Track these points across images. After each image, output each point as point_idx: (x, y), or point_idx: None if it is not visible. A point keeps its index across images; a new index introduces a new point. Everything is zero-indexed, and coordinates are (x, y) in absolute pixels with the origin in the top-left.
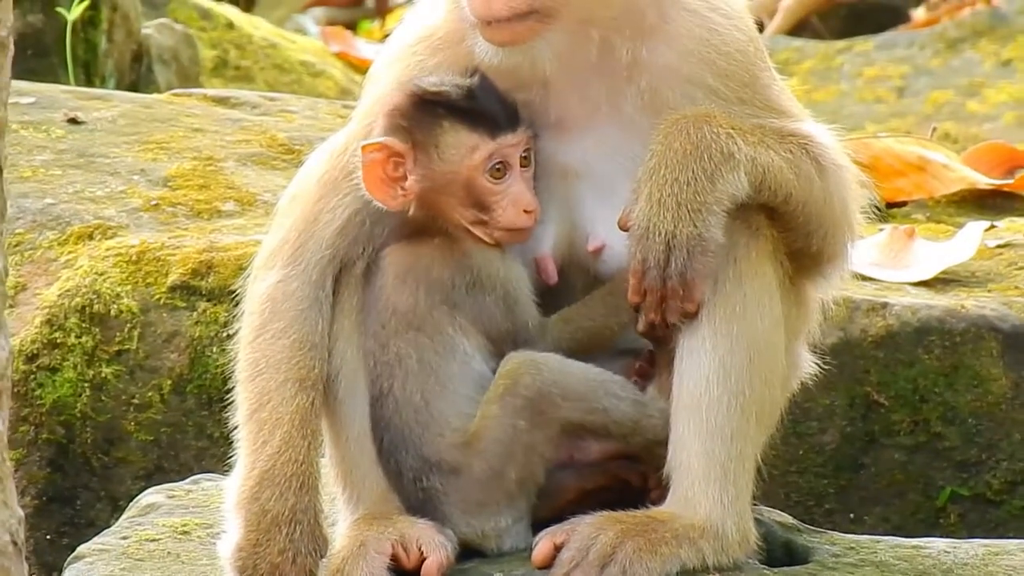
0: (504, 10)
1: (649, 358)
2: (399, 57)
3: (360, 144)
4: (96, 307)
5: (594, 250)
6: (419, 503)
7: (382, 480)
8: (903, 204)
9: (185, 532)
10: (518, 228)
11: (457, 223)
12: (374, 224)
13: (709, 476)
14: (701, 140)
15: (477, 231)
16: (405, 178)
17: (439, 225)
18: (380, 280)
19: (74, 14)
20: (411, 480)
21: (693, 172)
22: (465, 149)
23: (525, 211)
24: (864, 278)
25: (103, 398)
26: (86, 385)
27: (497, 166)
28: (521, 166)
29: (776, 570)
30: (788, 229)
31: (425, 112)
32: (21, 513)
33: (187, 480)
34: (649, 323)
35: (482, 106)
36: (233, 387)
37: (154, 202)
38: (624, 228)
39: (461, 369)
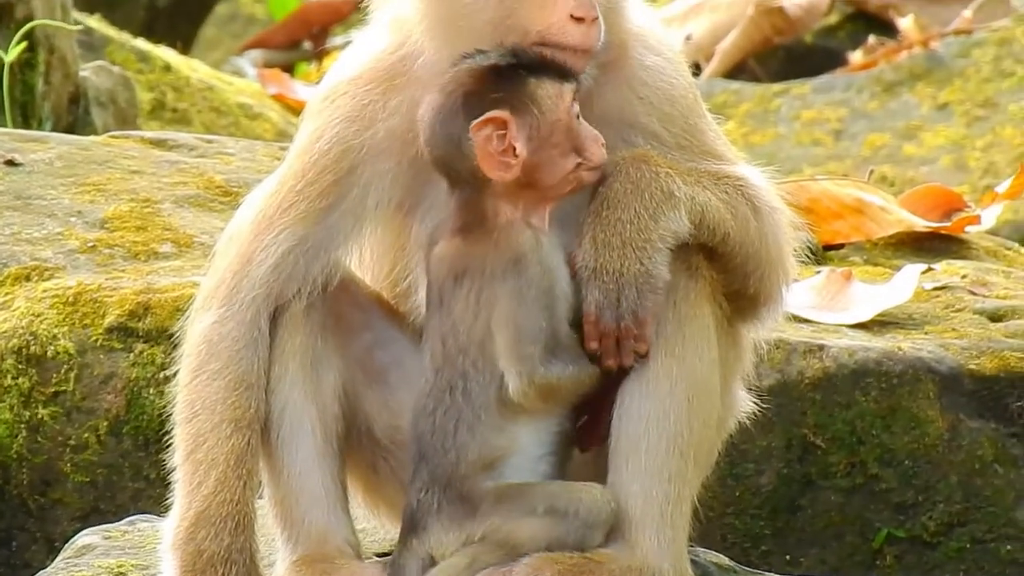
0: (595, 41)
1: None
2: (345, 91)
3: (471, 125)
4: (33, 348)
5: None
6: (409, 508)
7: (322, 519)
8: (840, 247)
9: (121, 573)
10: (601, 164)
11: (552, 181)
12: (310, 262)
13: (646, 518)
14: (640, 180)
15: (568, 179)
16: (511, 148)
17: (484, 215)
18: (436, 280)
19: (11, 56)
20: (416, 488)
21: (635, 211)
22: (556, 96)
23: (601, 144)
24: (801, 320)
25: (39, 439)
26: (22, 426)
27: (576, 109)
28: None
29: None
30: (726, 271)
31: (507, 79)
32: None
33: (123, 521)
34: (608, 369)
35: (544, 59)
36: (170, 428)
37: (91, 244)
38: (573, 270)
39: (497, 395)
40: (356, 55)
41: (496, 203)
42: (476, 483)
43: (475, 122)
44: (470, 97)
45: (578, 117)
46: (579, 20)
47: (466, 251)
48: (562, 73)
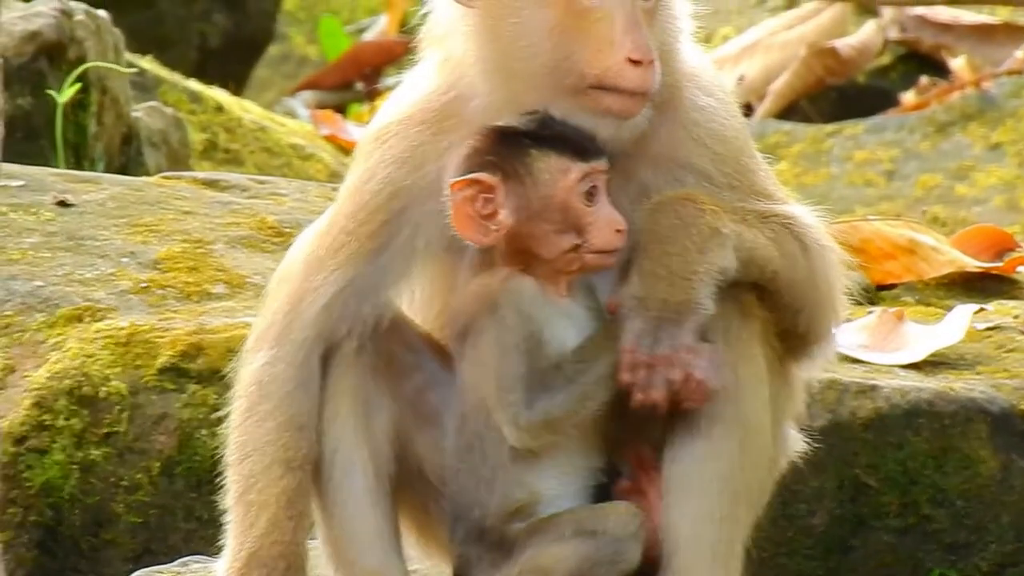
0: (652, 84)
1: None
2: (396, 132)
3: (449, 182)
4: (85, 389)
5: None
6: (455, 565)
7: (375, 561)
8: (893, 287)
9: None
10: (611, 249)
11: (547, 255)
12: (360, 302)
13: (700, 559)
14: (687, 216)
15: (567, 259)
16: (495, 214)
17: (487, 265)
18: (452, 337)
19: (64, 97)
20: (457, 544)
21: (683, 245)
22: (558, 172)
23: (617, 230)
24: (853, 360)
25: (92, 480)
26: (75, 467)
27: (589, 190)
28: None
29: None
30: (775, 309)
31: (509, 145)
32: None
33: (176, 562)
34: (639, 403)
35: (565, 133)
36: (222, 470)
37: (143, 284)
38: (612, 311)
39: (510, 452)
40: (407, 96)
41: (500, 261)
42: (508, 529)
43: (454, 180)
44: (472, 155)
45: (589, 196)
46: (636, 63)
47: (466, 308)
48: (581, 151)
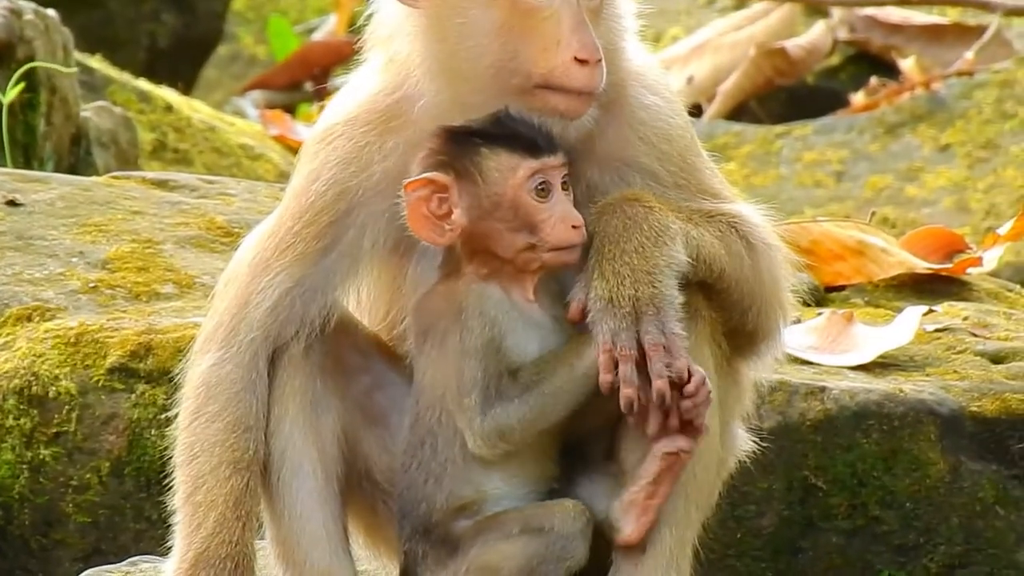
0: (598, 83)
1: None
2: (341, 133)
3: (403, 182)
4: (34, 389)
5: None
6: (401, 563)
7: (324, 560)
8: (842, 288)
9: None
10: (567, 246)
11: (505, 254)
12: (307, 303)
13: (656, 562)
14: (636, 215)
15: (525, 258)
16: (450, 213)
17: (455, 273)
18: (413, 335)
19: (9, 96)
20: (403, 542)
21: (638, 241)
22: (506, 169)
23: (573, 226)
24: (802, 362)
25: (41, 480)
26: (24, 467)
27: (541, 186)
28: (561, 191)
29: None
30: (723, 308)
31: (462, 144)
32: None
33: (125, 562)
34: (627, 400)
35: (517, 130)
36: (171, 469)
37: (93, 284)
38: (575, 319)
39: (461, 451)
40: (352, 96)
41: (465, 262)
42: (454, 525)
43: (407, 180)
44: (428, 155)
45: (542, 192)
46: (583, 62)
47: (431, 308)
48: (532, 148)
